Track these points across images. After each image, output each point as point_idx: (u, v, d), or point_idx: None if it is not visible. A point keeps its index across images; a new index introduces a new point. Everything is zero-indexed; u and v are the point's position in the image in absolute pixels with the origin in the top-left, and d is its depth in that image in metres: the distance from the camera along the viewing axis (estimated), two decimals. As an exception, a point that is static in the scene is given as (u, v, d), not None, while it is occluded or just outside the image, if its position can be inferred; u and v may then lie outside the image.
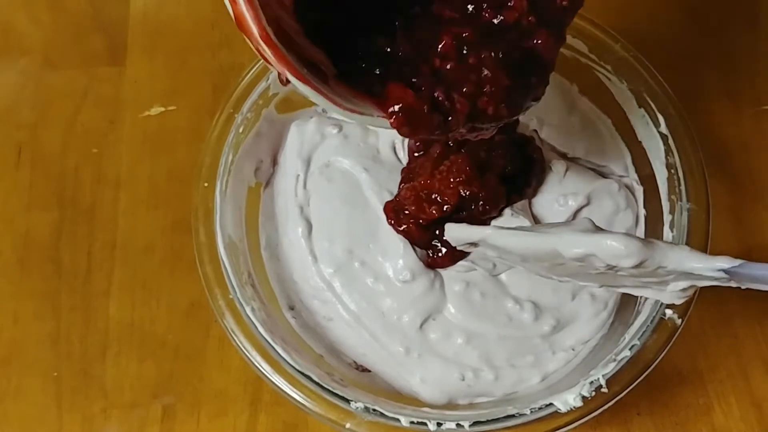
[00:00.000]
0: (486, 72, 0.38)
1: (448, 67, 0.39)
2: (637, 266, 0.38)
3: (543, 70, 0.40)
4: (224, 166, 0.54)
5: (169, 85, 0.69)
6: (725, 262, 0.36)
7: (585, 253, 0.39)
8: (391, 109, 0.38)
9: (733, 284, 0.37)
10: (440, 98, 0.38)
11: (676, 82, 0.55)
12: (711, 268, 0.37)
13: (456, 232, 0.48)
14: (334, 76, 0.39)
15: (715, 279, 0.37)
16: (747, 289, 0.37)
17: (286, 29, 0.38)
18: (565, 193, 0.54)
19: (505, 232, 0.44)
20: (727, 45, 0.70)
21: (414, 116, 0.38)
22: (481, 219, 0.52)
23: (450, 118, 0.38)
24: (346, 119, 0.40)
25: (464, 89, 0.38)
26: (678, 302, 0.43)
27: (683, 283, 0.39)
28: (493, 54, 0.38)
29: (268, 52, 0.37)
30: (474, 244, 0.48)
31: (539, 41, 0.39)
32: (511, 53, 0.39)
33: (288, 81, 0.38)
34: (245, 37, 0.37)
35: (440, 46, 0.39)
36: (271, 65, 0.37)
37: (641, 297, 0.51)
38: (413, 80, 0.38)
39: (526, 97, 0.40)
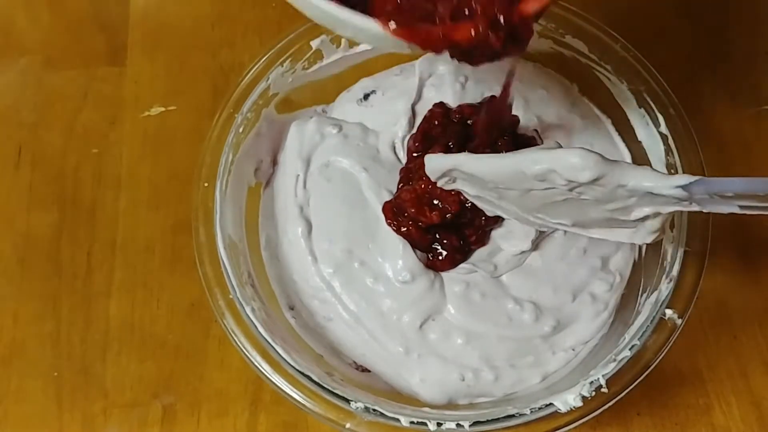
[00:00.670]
0: None
1: None
2: (596, 182, 0.37)
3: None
4: (224, 166, 0.54)
5: (169, 85, 0.69)
6: (682, 179, 0.36)
7: (546, 169, 0.39)
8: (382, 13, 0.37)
9: (695, 207, 0.36)
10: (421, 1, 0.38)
11: (676, 82, 0.56)
12: (669, 185, 0.36)
13: (432, 163, 0.48)
14: None
15: (677, 200, 0.36)
16: (709, 213, 0.38)
17: None
18: (566, 193, 0.54)
19: (475, 156, 0.45)
20: (727, 45, 0.70)
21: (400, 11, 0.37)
22: (484, 229, 0.52)
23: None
24: (329, 21, 0.38)
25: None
26: (648, 240, 0.42)
27: (647, 209, 0.38)
28: None
29: None
30: (452, 180, 0.48)
31: None
32: None
33: None
34: None
35: None
36: None
37: (641, 297, 0.51)
38: None
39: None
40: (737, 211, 0.36)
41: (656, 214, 0.39)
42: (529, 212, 0.46)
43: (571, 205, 0.42)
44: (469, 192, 0.48)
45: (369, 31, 0.38)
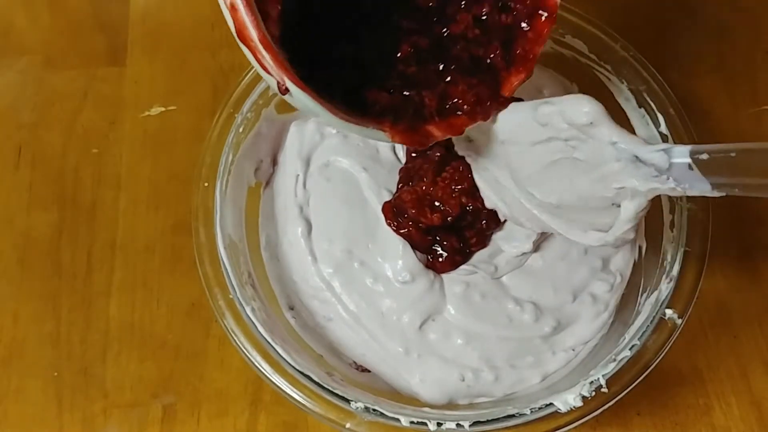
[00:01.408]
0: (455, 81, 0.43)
1: (413, 71, 0.43)
2: (591, 130, 0.40)
3: (497, 83, 0.44)
4: (224, 166, 0.54)
5: (169, 85, 0.69)
6: (665, 144, 0.39)
7: (554, 109, 0.41)
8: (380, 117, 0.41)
9: (671, 184, 0.38)
10: (410, 94, 0.42)
11: (676, 82, 0.56)
12: (652, 149, 0.38)
13: None
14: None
15: (656, 174, 0.38)
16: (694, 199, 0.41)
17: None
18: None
19: None
20: (727, 45, 0.70)
21: (399, 114, 0.42)
22: (485, 233, 0.52)
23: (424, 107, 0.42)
24: (342, 129, 0.41)
25: (430, 89, 0.43)
26: (620, 231, 0.43)
27: (629, 181, 0.40)
28: (452, 65, 0.43)
29: (267, 58, 0.37)
30: (468, 138, 0.49)
31: (493, 55, 0.44)
32: (464, 61, 0.43)
33: (287, 90, 0.38)
34: (243, 44, 0.38)
35: (400, 53, 0.43)
36: (270, 72, 0.38)
37: (641, 297, 0.51)
38: (388, 88, 0.42)
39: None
40: (709, 191, 0.37)
41: (634, 194, 0.40)
42: (522, 187, 0.46)
43: (561, 172, 0.43)
44: (484, 164, 0.49)
45: (376, 136, 0.42)
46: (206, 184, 0.53)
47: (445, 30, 0.44)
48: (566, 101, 0.41)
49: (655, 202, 0.54)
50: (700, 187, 0.37)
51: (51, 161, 0.66)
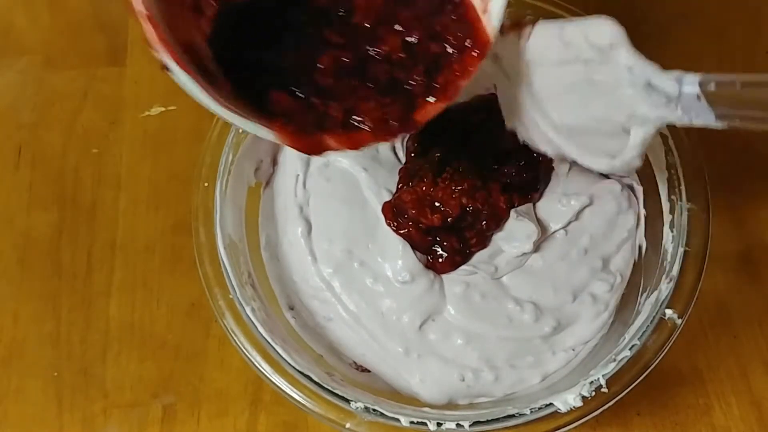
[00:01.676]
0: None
1: (329, 83, 0.42)
2: (610, 53, 0.40)
3: (411, 107, 0.43)
4: (224, 165, 0.54)
5: (169, 85, 0.67)
6: (678, 73, 0.39)
7: (578, 29, 0.42)
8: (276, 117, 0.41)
9: (678, 113, 0.39)
10: (316, 102, 0.42)
11: (676, 82, 0.55)
12: (665, 77, 0.39)
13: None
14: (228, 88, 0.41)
15: (666, 100, 0.39)
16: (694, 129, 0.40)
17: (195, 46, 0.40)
18: (568, 194, 0.54)
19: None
20: (727, 45, 0.70)
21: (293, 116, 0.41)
22: (485, 234, 0.52)
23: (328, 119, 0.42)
24: (227, 120, 0.41)
25: (341, 102, 0.42)
26: (627, 157, 0.43)
27: (640, 108, 0.40)
28: (369, 83, 0.43)
29: (149, 30, 0.38)
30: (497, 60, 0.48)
31: (413, 80, 0.43)
32: (382, 82, 0.43)
33: (166, 67, 0.39)
34: (130, 13, 0.38)
35: (320, 63, 0.43)
36: (153, 47, 0.38)
37: (641, 297, 0.51)
38: (295, 92, 0.42)
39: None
40: (713, 121, 0.38)
41: (644, 121, 0.41)
42: (541, 108, 0.47)
43: (579, 94, 0.44)
44: (503, 78, 0.49)
45: (266, 135, 0.41)
46: (206, 184, 0.53)
47: (370, 49, 0.44)
48: (590, 21, 0.42)
49: (655, 202, 0.54)
50: (705, 117, 0.38)
51: (51, 161, 0.66)
